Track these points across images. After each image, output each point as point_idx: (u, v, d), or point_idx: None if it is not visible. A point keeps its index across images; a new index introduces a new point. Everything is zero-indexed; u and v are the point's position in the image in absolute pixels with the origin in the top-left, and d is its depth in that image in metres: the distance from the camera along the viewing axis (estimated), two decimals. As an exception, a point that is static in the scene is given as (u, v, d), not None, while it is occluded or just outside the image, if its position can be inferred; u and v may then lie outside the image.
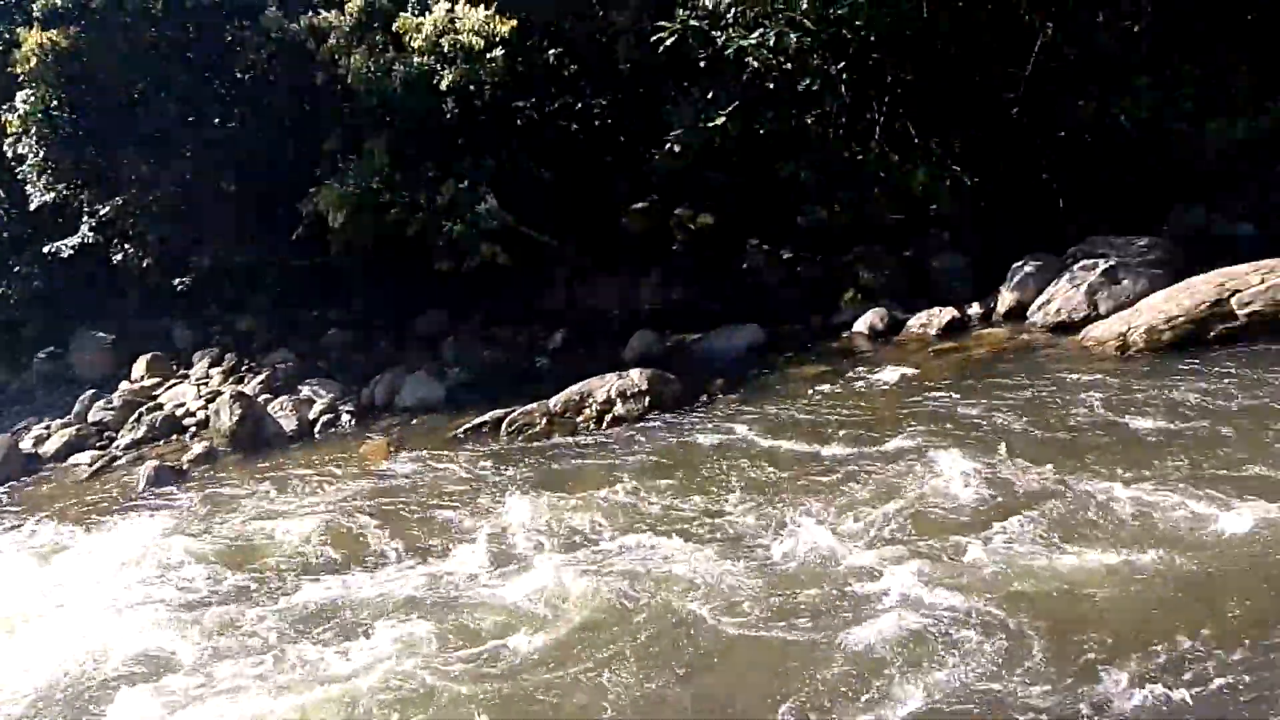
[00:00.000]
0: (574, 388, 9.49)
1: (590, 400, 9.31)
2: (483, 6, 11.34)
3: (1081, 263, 9.90)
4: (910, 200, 11.12)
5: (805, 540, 5.90)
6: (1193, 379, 7.37)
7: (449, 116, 11.77)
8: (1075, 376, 7.96)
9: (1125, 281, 9.34)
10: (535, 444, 8.90)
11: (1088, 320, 9.15)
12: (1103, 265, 9.63)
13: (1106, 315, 9.02)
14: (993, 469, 6.39)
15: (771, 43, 10.67)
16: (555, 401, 9.44)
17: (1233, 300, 8.17)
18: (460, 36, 11.21)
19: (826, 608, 5.16)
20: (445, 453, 9.04)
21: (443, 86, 11.13)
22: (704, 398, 9.18)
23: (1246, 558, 4.95)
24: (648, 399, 9.10)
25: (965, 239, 11.83)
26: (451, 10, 11.34)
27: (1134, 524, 5.46)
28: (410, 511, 7.64)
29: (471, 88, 11.41)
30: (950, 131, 11.73)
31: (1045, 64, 12.08)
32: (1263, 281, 8.20)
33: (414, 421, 10.41)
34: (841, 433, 7.65)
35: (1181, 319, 8.21)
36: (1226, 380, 7.23)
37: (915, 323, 10.08)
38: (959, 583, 5.11)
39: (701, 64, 11.21)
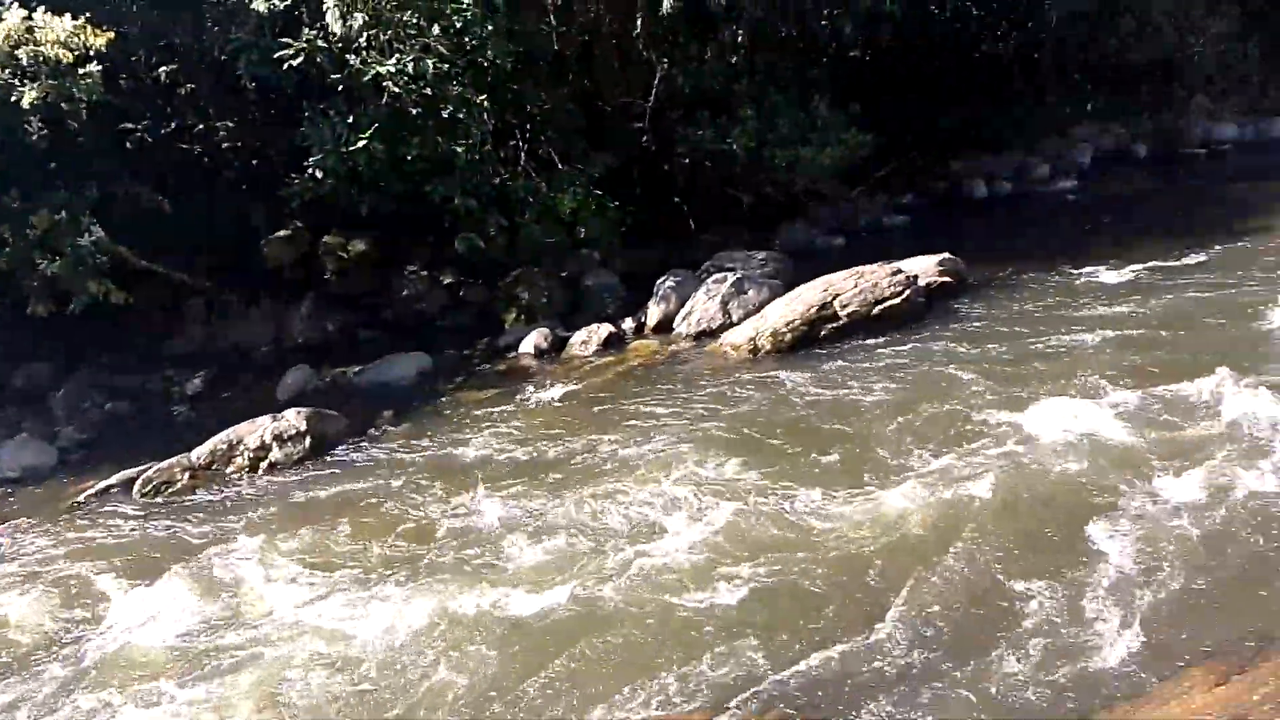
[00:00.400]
0: (220, 435, 8.61)
1: (241, 448, 8.49)
2: (69, 16, 9.92)
3: (714, 276, 10.97)
4: (561, 222, 11.57)
5: (561, 541, 6.04)
6: (815, 371, 8.51)
7: (36, 138, 10.17)
8: (720, 377, 8.82)
9: (751, 292, 10.49)
10: (179, 502, 7.93)
11: (724, 328, 10.14)
12: (731, 278, 10.73)
13: (739, 322, 10.06)
14: (684, 460, 6.90)
15: (410, 69, 10.57)
16: (198, 453, 8.49)
17: (835, 303, 9.52)
18: (43, 49, 9.71)
19: (609, 597, 5.32)
20: (62, 524, 7.74)
21: (24, 104, 9.57)
22: (374, 431, 8.81)
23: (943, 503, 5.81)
24: (309, 440, 8.50)
25: (615, 258, 12.57)
26: (29, 18, 9.79)
27: (849, 488, 6.20)
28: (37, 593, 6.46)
29: (64, 106, 9.95)
30: (591, 157, 12.41)
31: (666, 95, 13.27)
32: (855, 286, 9.65)
33: (20, 493, 8.80)
34: (531, 445, 7.81)
35: (798, 322, 9.40)
36: (840, 369, 8.47)
37: (577, 340, 10.50)
38: (723, 559, 5.55)
39: (339, 86, 10.80)
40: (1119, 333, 8.32)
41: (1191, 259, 10.40)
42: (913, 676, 4.41)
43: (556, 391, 9.08)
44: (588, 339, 10.42)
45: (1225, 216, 12.03)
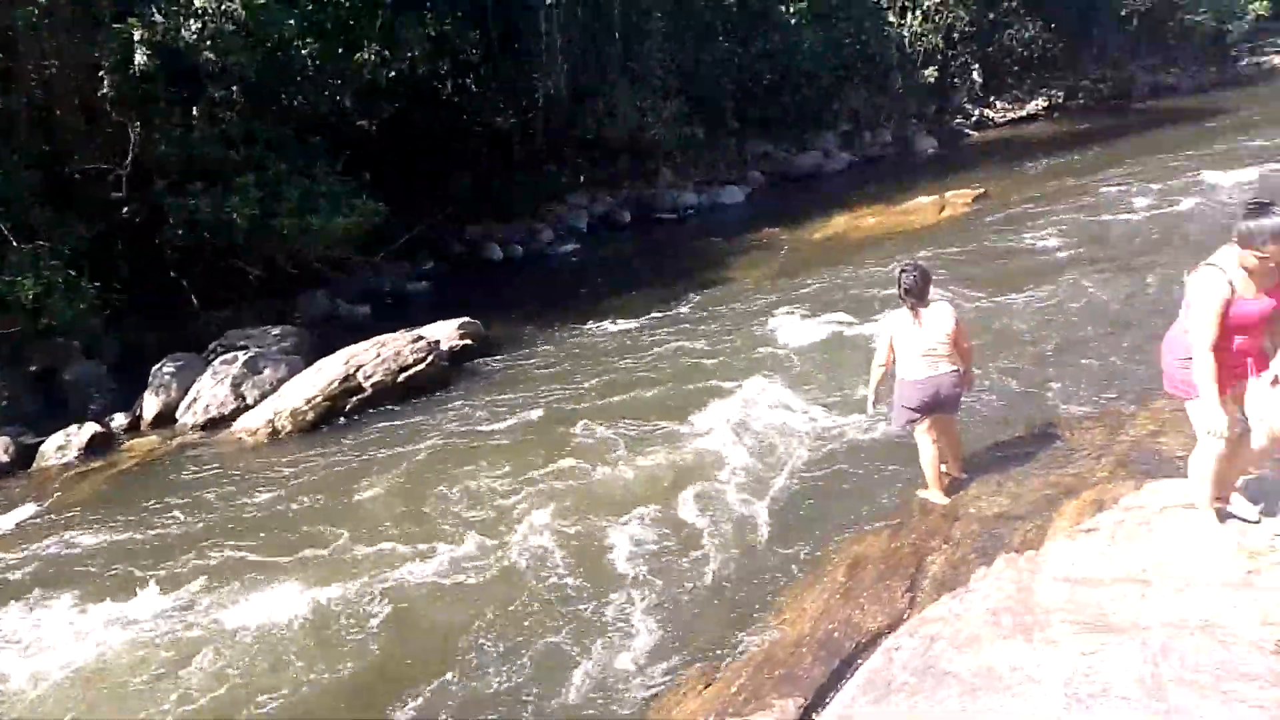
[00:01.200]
0: None
1: None
2: None
3: (223, 357, 10.05)
4: (23, 309, 9.74)
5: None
6: (340, 447, 8.17)
7: None
8: (232, 468, 8.04)
9: (267, 370, 9.78)
10: None
11: (238, 412, 9.29)
12: (244, 357, 9.91)
13: (255, 405, 9.30)
14: (182, 564, 6.14)
15: None
16: None
17: (359, 374, 9.26)
18: None
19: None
20: None
21: None
22: None
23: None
24: None
25: (100, 346, 10.91)
26: None
27: (379, 562, 5.83)
28: None
29: None
30: (59, 232, 10.69)
31: (150, 162, 11.98)
32: (378, 355, 9.50)
33: None
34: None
35: (319, 398, 8.96)
36: (365, 442, 8.23)
37: (52, 446, 8.84)
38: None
39: None
40: (625, 377, 9.26)
41: (675, 309, 11.99)
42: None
43: (22, 514, 7.52)
44: (66, 444, 8.83)
45: (695, 270, 14.10)
